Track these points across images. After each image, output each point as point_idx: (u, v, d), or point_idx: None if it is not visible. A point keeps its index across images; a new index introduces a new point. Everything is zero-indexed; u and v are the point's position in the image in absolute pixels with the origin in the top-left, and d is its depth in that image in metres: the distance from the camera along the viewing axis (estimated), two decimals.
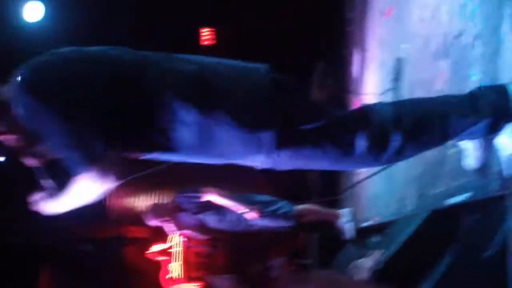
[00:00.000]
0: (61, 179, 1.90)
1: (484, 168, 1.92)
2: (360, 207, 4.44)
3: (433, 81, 2.70)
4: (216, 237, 7.33)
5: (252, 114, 1.62)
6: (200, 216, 4.13)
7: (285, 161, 1.70)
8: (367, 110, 1.75)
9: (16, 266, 5.65)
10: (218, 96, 1.61)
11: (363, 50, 4.79)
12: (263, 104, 1.64)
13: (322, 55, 6.09)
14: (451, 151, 2.26)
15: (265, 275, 6.52)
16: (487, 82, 1.97)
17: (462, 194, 2.15)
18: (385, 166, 3.29)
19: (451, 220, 2.30)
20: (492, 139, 1.76)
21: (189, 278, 7.66)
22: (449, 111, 1.69)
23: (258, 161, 1.71)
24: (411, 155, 1.77)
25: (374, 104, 1.83)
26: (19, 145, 1.73)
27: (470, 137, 1.76)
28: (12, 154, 1.77)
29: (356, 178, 4.53)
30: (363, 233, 4.22)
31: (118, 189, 8.39)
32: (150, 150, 1.68)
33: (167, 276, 7.50)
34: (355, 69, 5.15)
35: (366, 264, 2.69)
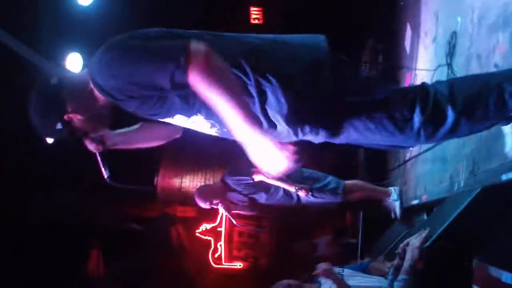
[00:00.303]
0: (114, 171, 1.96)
1: None
2: (409, 185, 4.36)
3: (490, 54, 2.59)
4: (262, 216, 7.41)
5: (311, 80, 1.63)
6: (250, 196, 4.14)
7: (339, 133, 1.70)
8: (423, 87, 1.74)
9: (66, 245, 5.79)
10: (278, 61, 1.64)
11: (416, 24, 4.64)
12: (321, 70, 1.65)
13: (374, 30, 5.97)
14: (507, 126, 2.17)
15: (311, 253, 6.54)
16: None
17: None
18: (436, 143, 3.21)
19: (503, 197, 2.23)
20: None
21: (231, 257, 7.77)
22: (505, 82, 1.63)
23: (313, 132, 1.71)
24: (468, 133, 1.73)
25: (431, 82, 1.80)
26: (82, 126, 1.76)
27: None
28: (71, 136, 1.78)
29: (406, 156, 4.45)
30: (411, 212, 4.15)
31: (166, 169, 8.60)
32: None
33: (216, 255, 7.64)
34: (408, 44, 5.01)
35: (414, 243, 2.64)
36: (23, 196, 5.38)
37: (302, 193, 3.96)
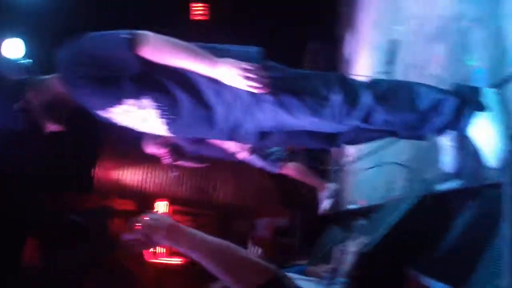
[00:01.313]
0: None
1: (459, 172, 1.96)
2: (346, 189, 4.42)
3: (427, 65, 2.65)
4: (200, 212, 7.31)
5: None
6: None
7: (269, 113, 1.82)
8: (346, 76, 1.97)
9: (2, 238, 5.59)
10: None
11: (356, 31, 4.72)
12: None
13: (316, 35, 6.03)
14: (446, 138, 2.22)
15: (248, 232, 6.55)
16: (483, 67, 1.94)
17: (453, 180, 2.12)
18: (374, 150, 3.26)
19: (439, 207, 2.28)
20: (464, 134, 1.81)
21: (171, 253, 7.65)
22: (418, 84, 1.87)
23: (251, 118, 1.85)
24: (382, 122, 1.84)
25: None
26: (39, 111, 1.90)
27: (440, 119, 1.81)
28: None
29: (345, 160, 4.52)
30: (348, 216, 4.21)
31: (105, 161, 8.37)
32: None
33: (154, 249, 7.47)
34: (348, 51, 5.08)
35: (351, 247, 2.66)
36: None
37: (244, 154, 3.87)
